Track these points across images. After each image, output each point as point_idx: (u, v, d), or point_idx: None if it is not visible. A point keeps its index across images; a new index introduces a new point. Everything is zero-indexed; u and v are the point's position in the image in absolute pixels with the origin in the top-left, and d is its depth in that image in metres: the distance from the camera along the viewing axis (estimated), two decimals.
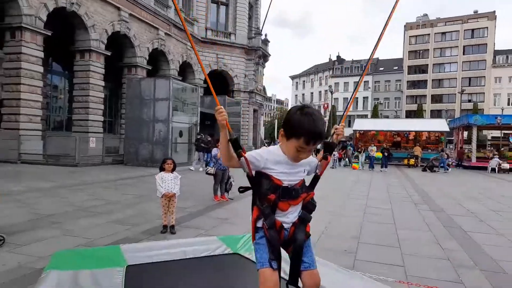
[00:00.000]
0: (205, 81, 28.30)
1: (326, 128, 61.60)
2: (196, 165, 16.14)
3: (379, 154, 21.03)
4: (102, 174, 13.04)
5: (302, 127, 1.78)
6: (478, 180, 16.80)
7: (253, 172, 1.91)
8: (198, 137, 16.81)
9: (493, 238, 5.88)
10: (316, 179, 2.07)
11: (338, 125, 2.07)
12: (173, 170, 5.55)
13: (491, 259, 4.71)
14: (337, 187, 11.97)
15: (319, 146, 2.04)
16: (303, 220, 1.93)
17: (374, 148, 21.49)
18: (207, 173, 8.54)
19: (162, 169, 5.50)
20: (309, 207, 1.96)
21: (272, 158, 1.89)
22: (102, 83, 19.76)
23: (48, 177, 11.41)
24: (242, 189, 2.08)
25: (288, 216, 1.91)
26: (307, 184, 2.02)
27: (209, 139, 16.27)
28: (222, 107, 1.86)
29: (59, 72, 21.25)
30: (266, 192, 1.86)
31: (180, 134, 18.50)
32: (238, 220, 6.54)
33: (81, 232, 5.29)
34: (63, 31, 18.09)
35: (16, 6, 15.11)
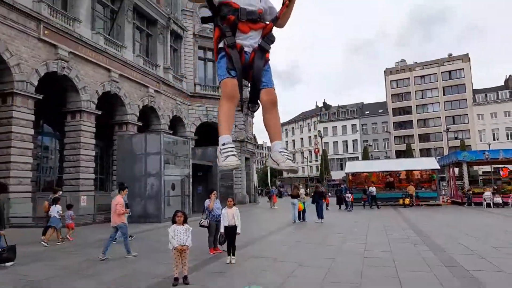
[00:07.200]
0: (196, 133, 28.63)
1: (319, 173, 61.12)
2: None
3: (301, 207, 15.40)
4: (94, 234, 12.68)
5: None
6: (474, 217, 16.73)
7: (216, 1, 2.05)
8: (57, 195, 10.70)
9: (495, 275, 5.79)
10: (276, 18, 2.19)
11: None
12: (184, 222, 5.69)
13: None
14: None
15: None
16: (262, 49, 2.05)
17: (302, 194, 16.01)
18: (200, 226, 8.36)
19: (174, 221, 5.67)
20: (269, 38, 2.09)
21: None
22: (93, 141, 19.85)
23: (38, 240, 11.04)
24: (204, 19, 2.23)
25: (249, 40, 2.04)
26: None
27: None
28: None
29: (50, 133, 21.35)
30: (226, 14, 2.01)
31: (173, 187, 18.36)
32: (234, 273, 6.36)
33: None
34: (54, 94, 18.45)
35: (8, 72, 15.52)
